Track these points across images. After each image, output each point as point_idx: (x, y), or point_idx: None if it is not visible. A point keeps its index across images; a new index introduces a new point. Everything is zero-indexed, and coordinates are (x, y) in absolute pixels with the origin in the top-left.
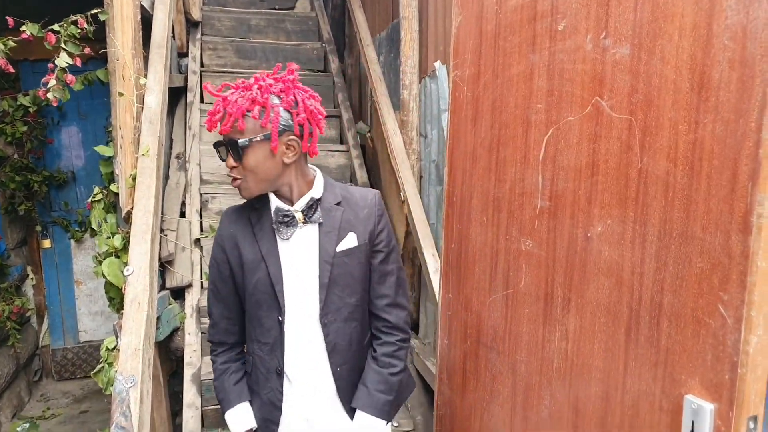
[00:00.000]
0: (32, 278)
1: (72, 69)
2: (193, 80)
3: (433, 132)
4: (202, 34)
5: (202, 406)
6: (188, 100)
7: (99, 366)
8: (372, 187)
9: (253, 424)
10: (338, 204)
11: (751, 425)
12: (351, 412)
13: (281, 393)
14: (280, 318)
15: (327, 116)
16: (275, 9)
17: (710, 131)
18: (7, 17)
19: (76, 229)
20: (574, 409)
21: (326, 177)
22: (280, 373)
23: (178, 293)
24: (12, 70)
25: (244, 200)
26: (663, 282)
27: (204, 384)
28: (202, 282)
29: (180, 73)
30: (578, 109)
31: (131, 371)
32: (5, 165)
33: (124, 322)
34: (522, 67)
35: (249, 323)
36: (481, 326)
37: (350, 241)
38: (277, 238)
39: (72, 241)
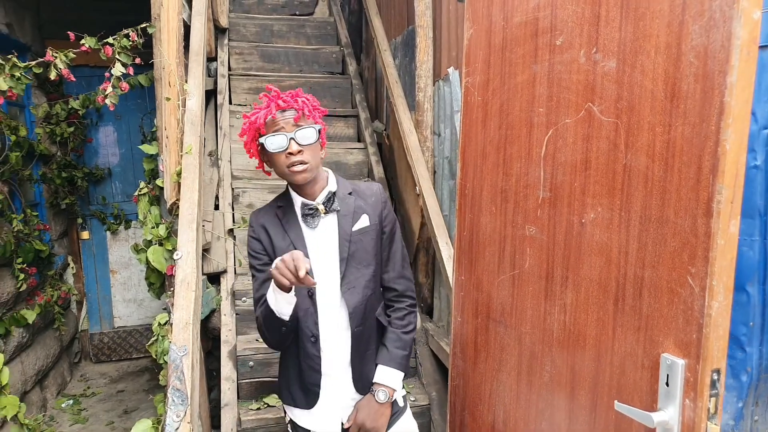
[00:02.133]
0: (72, 267)
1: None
2: (222, 83)
3: (446, 131)
4: (229, 40)
5: (237, 380)
6: (218, 102)
7: (153, 339)
8: (388, 182)
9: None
10: (350, 194)
11: (715, 376)
12: (357, 375)
13: (319, 357)
14: (310, 291)
15: (345, 116)
16: (296, 15)
17: (680, 133)
18: (68, 32)
19: (112, 221)
20: (572, 372)
21: (335, 175)
22: (315, 340)
23: (214, 278)
24: (74, 78)
25: (273, 194)
26: (644, 259)
27: (239, 359)
28: (235, 268)
29: (209, 76)
30: (574, 113)
31: (183, 342)
32: (52, 162)
33: (176, 300)
34: (526, 76)
35: None
36: (490, 304)
37: (363, 221)
38: (303, 227)
39: (108, 233)
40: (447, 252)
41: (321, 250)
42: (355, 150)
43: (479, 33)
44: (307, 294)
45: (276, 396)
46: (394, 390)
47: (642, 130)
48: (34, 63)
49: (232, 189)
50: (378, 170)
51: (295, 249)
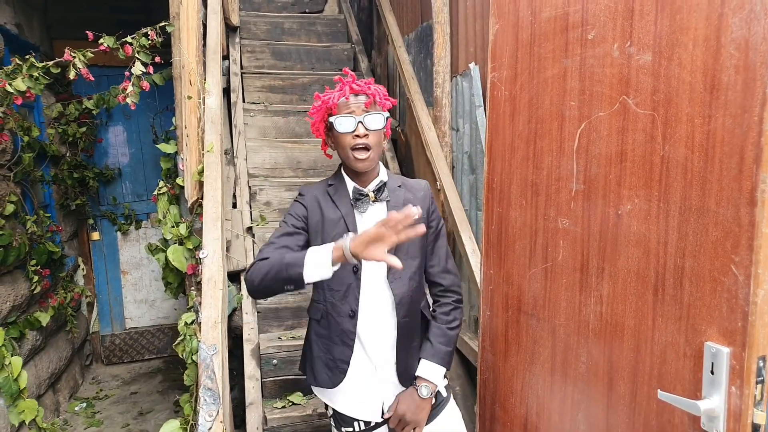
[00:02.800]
0: (83, 268)
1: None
2: (235, 81)
3: (465, 126)
4: (241, 38)
5: (261, 378)
6: (232, 100)
7: (179, 339)
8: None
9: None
10: (399, 186)
11: (761, 363)
12: (402, 368)
13: (354, 333)
14: (356, 267)
15: None
16: (306, 12)
17: (721, 124)
18: (87, 31)
19: (123, 222)
20: (609, 362)
21: (386, 169)
22: (353, 315)
23: (234, 277)
24: (92, 78)
25: (290, 192)
26: (684, 249)
27: (263, 358)
28: None
29: (222, 75)
30: (607, 106)
31: (213, 341)
32: (63, 163)
33: (204, 298)
34: (556, 70)
35: None
36: (521, 297)
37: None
38: (354, 210)
39: (119, 233)
40: (470, 246)
41: None
42: None
43: (506, 28)
44: (352, 270)
45: (300, 394)
46: (437, 385)
47: (680, 122)
48: (52, 63)
49: (249, 187)
50: (393, 166)
51: (346, 224)
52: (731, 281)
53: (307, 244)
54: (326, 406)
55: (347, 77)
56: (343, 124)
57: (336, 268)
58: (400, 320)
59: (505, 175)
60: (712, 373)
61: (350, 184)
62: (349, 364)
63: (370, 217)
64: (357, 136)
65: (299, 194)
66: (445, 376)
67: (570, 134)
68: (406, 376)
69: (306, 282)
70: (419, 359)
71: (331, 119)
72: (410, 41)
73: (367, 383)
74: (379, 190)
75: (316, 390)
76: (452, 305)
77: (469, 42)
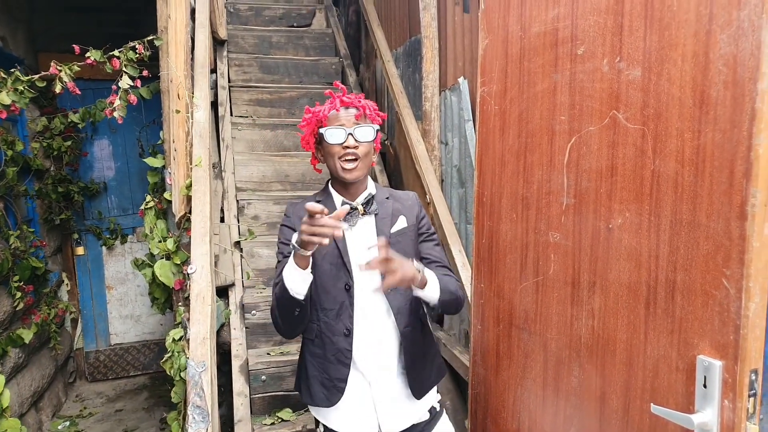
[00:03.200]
0: (67, 284)
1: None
2: (222, 95)
3: (454, 140)
4: (228, 52)
5: (250, 395)
6: (220, 114)
7: (167, 355)
8: None
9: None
10: (387, 198)
11: (753, 377)
12: (412, 378)
13: (350, 351)
14: (348, 284)
15: None
16: (293, 26)
17: (711, 138)
18: (73, 45)
19: (108, 236)
20: (602, 376)
21: (374, 182)
22: (348, 334)
23: (222, 292)
24: (78, 91)
25: (278, 206)
26: (676, 263)
27: (251, 374)
28: (243, 281)
29: (210, 88)
30: (597, 120)
31: (201, 357)
32: (47, 177)
33: (192, 314)
34: (546, 85)
35: (315, 294)
36: (512, 311)
37: (401, 223)
38: (343, 224)
39: (104, 248)
40: (461, 260)
41: (360, 246)
42: None
43: (495, 43)
44: (344, 287)
45: (290, 410)
46: (425, 284)
47: (670, 137)
48: (37, 77)
49: (237, 201)
50: (382, 179)
51: (335, 241)
52: (723, 295)
53: None
54: (316, 423)
55: (338, 90)
56: (333, 135)
57: (308, 270)
58: (403, 330)
59: (496, 189)
60: (705, 386)
61: (338, 198)
62: (346, 383)
63: (361, 232)
64: (346, 147)
65: (285, 215)
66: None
67: (560, 148)
68: (420, 387)
69: (302, 297)
70: (410, 376)
71: (321, 131)
72: (398, 55)
73: (363, 400)
74: (367, 202)
75: (311, 407)
76: (453, 277)
77: (458, 56)
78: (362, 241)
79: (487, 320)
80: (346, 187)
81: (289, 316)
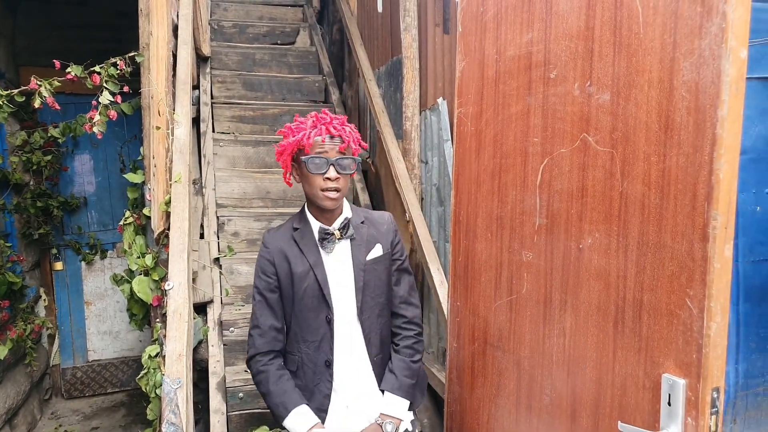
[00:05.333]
0: (44, 299)
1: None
2: (205, 111)
3: (434, 159)
4: (211, 68)
5: (227, 412)
6: (201, 130)
7: (143, 372)
8: (374, 208)
9: (317, 421)
10: (362, 222)
11: (715, 395)
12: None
13: (330, 382)
14: (328, 317)
15: None
16: (277, 44)
17: (675, 162)
18: (54, 60)
19: (87, 251)
20: (572, 394)
21: (348, 202)
22: (329, 365)
23: (200, 308)
24: (58, 107)
25: (259, 222)
26: (642, 283)
27: (228, 391)
28: (222, 298)
29: (192, 105)
30: (569, 143)
31: (177, 374)
32: (26, 191)
33: (168, 331)
34: (520, 107)
35: (296, 325)
36: (487, 329)
37: (377, 251)
38: (321, 251)
39: (83, 263)
40: (438, 278)
41: (337, 275)
42: None
43: (472, 65)
44: (325, 319)
45: (267, 428)
46: (401, 420)
47: (637, 160)
48: (17, 91)
49: (217, 217)
50: (363, 197)
51: (315, 273)
52: (686, 314)
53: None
54: None
55: (325, 117)
56: (316, 165)
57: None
58: (373, 359)
59: (471, 208)
60: (670, 404)
61: (315, 224)
62: (327, 412)
63: (337, 257)
64: (328, 179)
65: (264, 245)
66: (410, 409)
67: (533, 169)
68: None
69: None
70: (382, 391)
71: (303, 158)
72: (381, 75)
73: (343, 421)
74: (344, 227)
75: None
76: (414, 338)
77: (438, 77)
78: (340, 267)
79: (463, 338)
80: (322, 212)
81: (268, 402)
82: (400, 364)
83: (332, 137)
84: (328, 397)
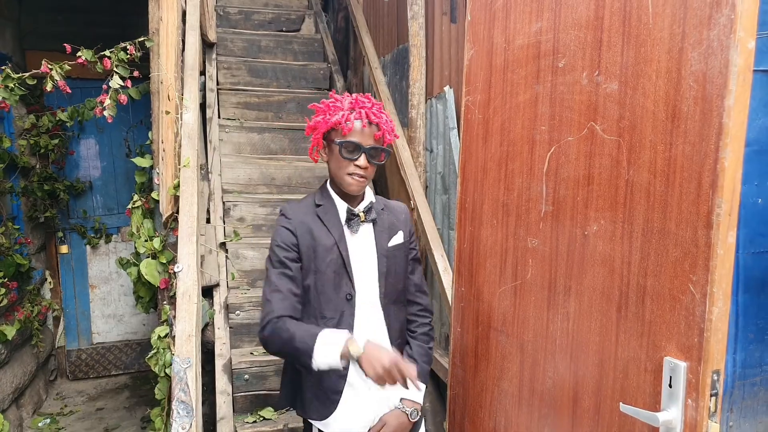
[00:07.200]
0: (50, 282)
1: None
2: (211, 97)
3: (439, 147)
4: (217, 54)
5: (233, 393)
6: (207, 116)
7: (152, 352)
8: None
9: (346, 332)
10: (383, 209)
11: (715, 377)
12: None
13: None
14: (349, 295)
15: None
16: (282, 31)
17: (681, 151)
18: (65, 44)
19: (93, 235)
20: (575, 377)
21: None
22: None
23: (206, 292)
24: (69, 90)
25: (264, 208)
26: (647, 269)
27: (234, 373)
28: (228, 282)
29: (198, 91)
30: (576, 131)
31: (186, 354)
32: (33, 175)
33: (178, 312)
34: (528, 96)
35: (315, 300)
36: (491, 314)
37: (398, 238)
38: (346, 230)
39: (88, 246)
40: (442, 265)
41: (360, 256)
42: None
43: (480, 54)
44: (345, 297)
45: (272, 409)
46: (421, 405)
47: (644, 148)
48: (29, 74)
49: (223, 203)
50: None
51: (339, 249)
52: (689, 299)
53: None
54: (309, 427)
55: (364, 101)
56: (349, 150)
57: (344, 363)
58: (393, 344)
59: (478, 195)
60: (671, 386)
61: (341, 204)
62: (340, 395)
63: (361, 239)
64: (358, 165)
65: (284, 216)
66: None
67: (540, 157)
68: None
69: (317, 369)
70: None
71: (337, 141)
72: (386, 63)
73: (359, 404)
74: (368, 210)
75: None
76: (429, 325)
77: (444, 65)
78: (363, 248)
79: (467, 323)
80: (347, 194)
81: (290, 358)
82: (419, 350)
83: (370, 124)
84: (344, 377)
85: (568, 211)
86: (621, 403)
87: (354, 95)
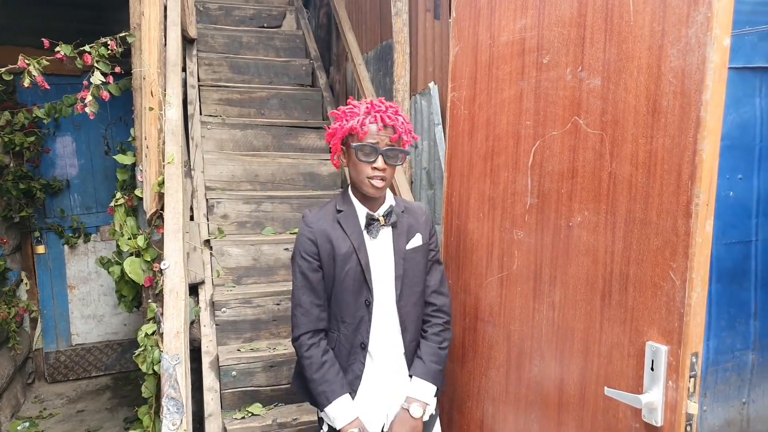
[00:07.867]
0: (26, 283)
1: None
2: (192, 94)
3: (424, 143)
4: (198, 51)
5: (220, 390)
6: (189, 112)
7: (140, 349)
8: None
9: (357, 416)
10: (403, 212)
11: (694, 359)
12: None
13: (363, 364)
14: (368, 301)
15: (317, 127)
16: (264, 27)
17: (661, 144)
18: (43, 39)
19: (71, 235)
20: (560, 364)
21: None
22: (364, 347)
23: (192, 289)
24: (47, 86)
25: (248, 205)
26: (629, 257)
27: (222, 370)
28: (212, 279)
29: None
30: (560, 125)
31: (175, 351)
32: (7, 173)
33: (165, 309)
34: (513, 91)
35: (335, 306)
36: (478, 305)
37: (417, 240)
38: (365, 236)
39: (66, 246)
40: None
41: (378, 261)
42: (328, 161)
43: (465, 50)
44: (364, 303)
45: (260, 405)
46: (428, 404)
47: (626, 142)
48: (4, 69)
49: (207, 200)
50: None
51: (358, 256)
52: (669, 286)
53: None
54: (320, 423)
55: (380, 105)
56: (365, 153)
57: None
58: (407, 345)
59: (464, 189)
60: (652, 369)
61: (361, 209)
62: (356, 393)
63: (380, 243)
64: (376, 168)
65: (306, 224)
66: (435, 395)
67: (525, 151)
68: None
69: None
70: (410, 376)
71: (354, 145)
72: (369, 59)
73: (373, 402)
74: (388, 214)
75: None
76: (443, 326)
77: (428, 62)
78: (382, 253)
79: (455, 314)
80: (366, 198)
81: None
82: (428, 350)
83: (385, 126)
84: (359, 378)
85: (553, 204)
86: (606, 387)
87: (370, 99)
